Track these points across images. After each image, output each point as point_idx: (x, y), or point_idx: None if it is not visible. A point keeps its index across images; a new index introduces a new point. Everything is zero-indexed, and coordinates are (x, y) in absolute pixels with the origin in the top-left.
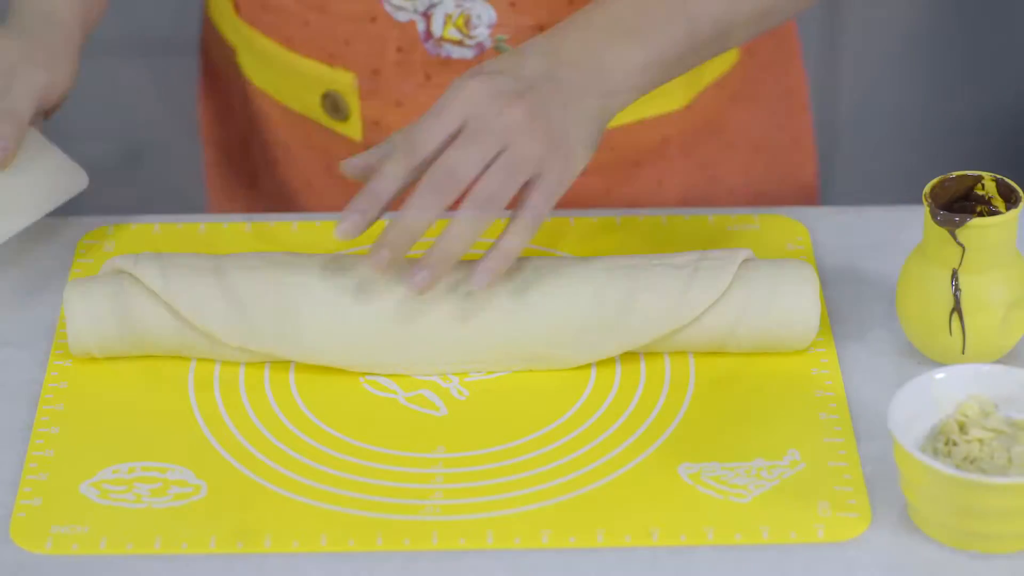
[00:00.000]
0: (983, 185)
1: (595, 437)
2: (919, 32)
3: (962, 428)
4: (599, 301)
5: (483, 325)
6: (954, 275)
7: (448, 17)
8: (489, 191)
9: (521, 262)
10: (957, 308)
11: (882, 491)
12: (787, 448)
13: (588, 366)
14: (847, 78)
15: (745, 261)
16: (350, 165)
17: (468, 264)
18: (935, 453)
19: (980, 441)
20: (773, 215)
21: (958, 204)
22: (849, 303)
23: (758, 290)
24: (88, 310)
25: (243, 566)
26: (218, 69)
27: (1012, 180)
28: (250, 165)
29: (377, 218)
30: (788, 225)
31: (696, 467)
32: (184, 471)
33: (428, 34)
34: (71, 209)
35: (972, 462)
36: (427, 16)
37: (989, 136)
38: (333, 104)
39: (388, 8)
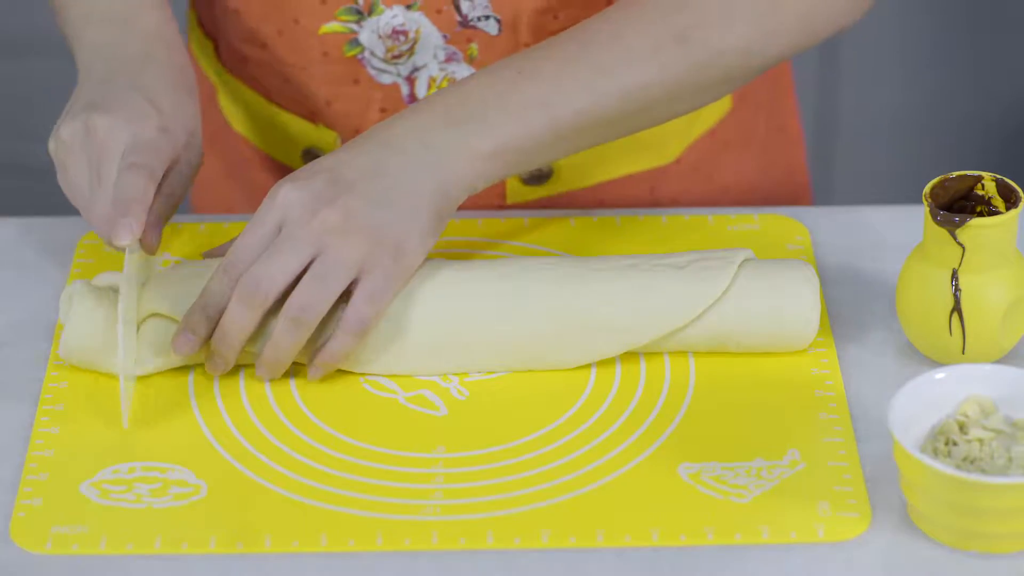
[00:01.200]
0: (983, 185)
1: (595, 437)
2: (919, 32)
3: (962, 428)
4: (599, 301)
5: (483, 325)
6: (954, 275)
7: (432, 80)
8: (301, 302)
9: (521, 262)
10: (957, 308)
11: (882, 491)
12: (787, 448)
13: (588, 366)
14: (847, 78)
15: (745, 261)
16: (209, 256)
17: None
18: (935, 453)
19: (980, 441)
20: (773, 215)
21: (958, 204)
22: (849, 303)
23: (758, 290)
24: (86, 313)
25: (243, 566)
26: (199, 104)
27: (1012, 180)
28: (229, 200)
29: (211, 331)
30: (788, 225)
31: (696, 467)
32: (184, 471)
33: (412, 97)
34: (71, 209)
35: (972, 462)
36: (411, 80)
37: (989, 136)
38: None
39: (371, 71)
